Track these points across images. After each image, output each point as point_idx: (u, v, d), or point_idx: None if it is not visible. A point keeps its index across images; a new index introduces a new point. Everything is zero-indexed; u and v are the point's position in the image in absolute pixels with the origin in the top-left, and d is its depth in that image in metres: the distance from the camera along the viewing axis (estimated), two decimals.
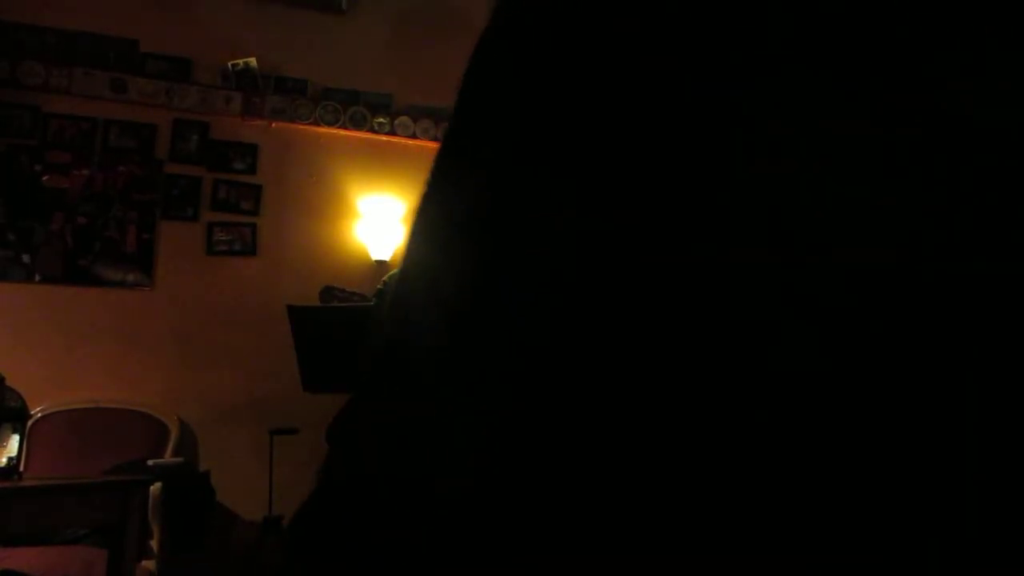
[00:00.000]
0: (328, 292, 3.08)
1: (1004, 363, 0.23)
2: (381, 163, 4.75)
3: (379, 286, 2.94)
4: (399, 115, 4.84)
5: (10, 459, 2.79)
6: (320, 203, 4.63)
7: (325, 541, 0.31)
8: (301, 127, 4.67)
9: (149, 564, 3.34)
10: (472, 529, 0.26)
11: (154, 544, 3.40)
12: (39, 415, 3.85)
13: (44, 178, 4.26)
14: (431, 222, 0.30)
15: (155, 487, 3.37)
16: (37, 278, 4.21)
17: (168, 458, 3.90)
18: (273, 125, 4.62)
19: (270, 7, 4.65)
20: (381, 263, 4.63)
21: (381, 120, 4.79)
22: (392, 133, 4.81)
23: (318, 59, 4.72)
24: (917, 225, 0.24)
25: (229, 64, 4.56)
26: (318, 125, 4.68)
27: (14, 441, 2.82)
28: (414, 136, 4.82)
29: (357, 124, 4.70)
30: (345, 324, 2.72)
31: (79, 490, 2.84)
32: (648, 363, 0.25)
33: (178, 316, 4.35)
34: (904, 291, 0.24)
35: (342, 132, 4.70)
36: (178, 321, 4.34)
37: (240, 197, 4.56)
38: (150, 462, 3.69)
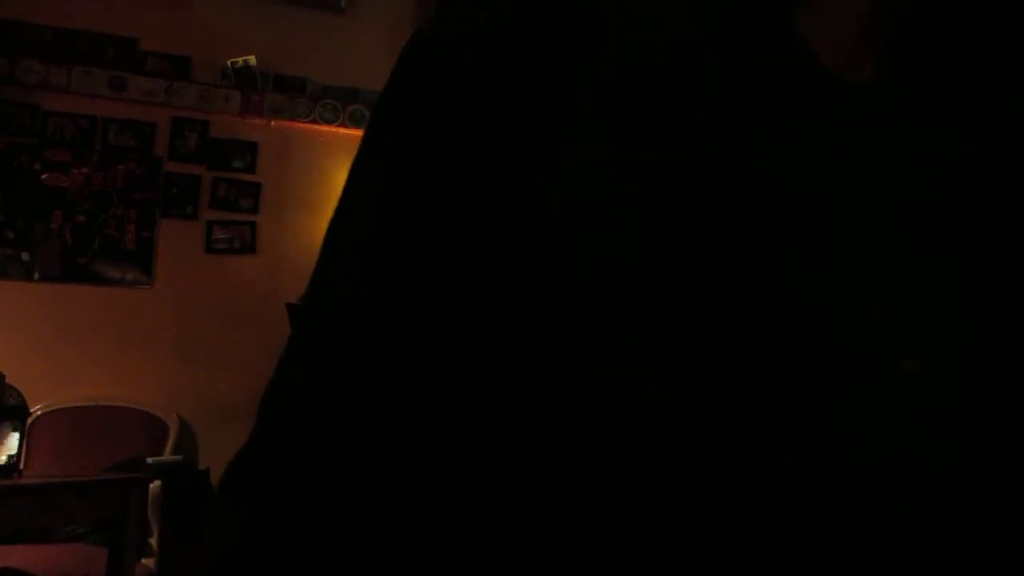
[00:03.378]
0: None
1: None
2: None
3: None
4: None
5: (10, 457, 2.79)
6: (319, 201, 4.63)
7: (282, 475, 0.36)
8: (300, 125, 4.67)
9: (149, 562, 3.34)
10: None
11: (153, 542, 3.41)
12: (39, 413, 3.85)
13: (43, 176, 4.26)
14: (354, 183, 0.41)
15: (154, 485, 3.38)
16: (36, 276, 4.21)
17: (167, 456, 3.90)
18: (272, 123, 4.62)
19: (269, 5, 4.65)
20: None
21: None
22: None
23: (317, 57, 4.71)
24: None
25: (228, 62, 4.56)
26: (317, 123, 4.68)
27: (14, 439, 2.82)
28: None
29: (356, 122, 4.70)
30: None
31: (79, 488, 2.85)
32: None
33: (177, 314, 4.35)
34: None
35: (341, 130, 4.70)
36: (177, 319, 4.34)
37: (239, 195, 4.56)
38: (149, 460, 3.69)
